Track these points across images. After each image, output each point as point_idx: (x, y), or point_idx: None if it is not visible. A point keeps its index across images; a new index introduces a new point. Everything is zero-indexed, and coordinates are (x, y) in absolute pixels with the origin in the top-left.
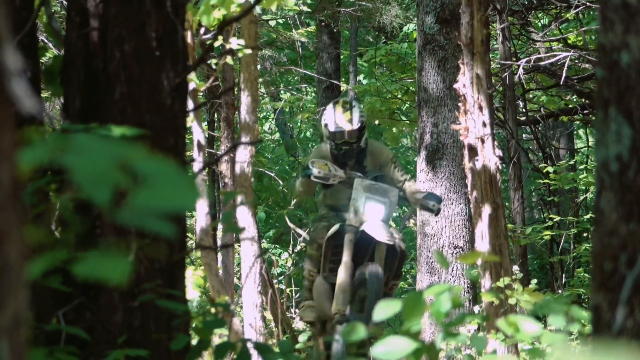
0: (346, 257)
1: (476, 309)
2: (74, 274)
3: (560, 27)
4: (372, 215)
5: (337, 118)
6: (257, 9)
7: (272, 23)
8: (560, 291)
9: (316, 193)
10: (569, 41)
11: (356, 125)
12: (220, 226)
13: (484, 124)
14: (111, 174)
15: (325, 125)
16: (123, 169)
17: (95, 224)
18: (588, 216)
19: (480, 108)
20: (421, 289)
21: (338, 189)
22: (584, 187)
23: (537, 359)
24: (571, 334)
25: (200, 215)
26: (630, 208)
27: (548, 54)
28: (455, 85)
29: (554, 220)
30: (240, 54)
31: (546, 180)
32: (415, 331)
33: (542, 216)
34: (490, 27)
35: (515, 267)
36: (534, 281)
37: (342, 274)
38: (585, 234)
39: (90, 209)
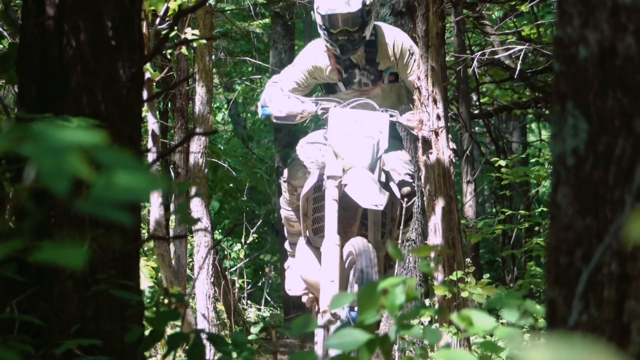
0: (330, 229)
1: (427, 302)
2: (30, 262)
3: (514, 21)
4: (355, 159)
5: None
6: (211, 0)
7: (229, 13)
8: (512, 285)
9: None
10: (523, 34)
11: (355, 6)
12: (173, 217)
13: (439, 117)
14: (70, 163)
15: (317, 8)
16: (82, 158)
17: (50, 213)
18: (539, 210)
19: (435, 101)
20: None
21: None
22: (535, 181)
23: (490, 352)
24: (522, 327)
25: (153, 206)
26: (587, 202)
27: (503, 47)
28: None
29: (506, 214)
30: (195, 45)
31: (498, 174)
32: (369, 323)
33: (493, 210)
34: (445, 19)
35: (468, 260)
36: (487, 275)
37: (328, 256)
38: (536, 228)
39: (44, 198)
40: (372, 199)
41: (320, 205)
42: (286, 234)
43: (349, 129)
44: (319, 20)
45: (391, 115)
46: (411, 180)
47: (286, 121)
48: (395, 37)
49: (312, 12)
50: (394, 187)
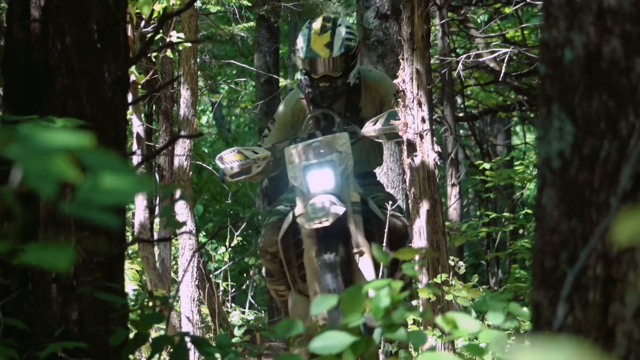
0: (309, 249)
1: (414, 303)
2: (14, 265)
3: (499, 24)
4: (319, 188)
5: (312, 42)
6: (197, 2)
7: (214, 16)
8: (496, 288)
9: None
10: (508, 37)
11: (337, 52)
12: (157, 219)
13: (423, 120)
14: (57, 165)
15: (297, 51)
16: (69, 160)
17: (35, 216)
18: (524, 212)
19: (420, 104)
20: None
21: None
22: (519, 184)
23: (475, 355)
24: (507, 330)
25: (138, 209)
26: (572, 205)
27: (487, 50)
28: (395, 81)
29: (490, 216)
30: (180, 48)
31: (482, 177)
32: (354, 326)
33: (478, 213)
34: (430, 22)
35: (461, 263)
36: (475, 277)
37: (309, 271)
38: (521, 231)
39: (30, 201)
40: (315, 218)
41: (302, 249)
42: (280, 307)
43: (306, 161)
44: (299, 64)
45: (351, 133)
46: (400, 215)
47: (244, 175)
48: (381, 81)
49: (292, 55)
50: (373, 206)
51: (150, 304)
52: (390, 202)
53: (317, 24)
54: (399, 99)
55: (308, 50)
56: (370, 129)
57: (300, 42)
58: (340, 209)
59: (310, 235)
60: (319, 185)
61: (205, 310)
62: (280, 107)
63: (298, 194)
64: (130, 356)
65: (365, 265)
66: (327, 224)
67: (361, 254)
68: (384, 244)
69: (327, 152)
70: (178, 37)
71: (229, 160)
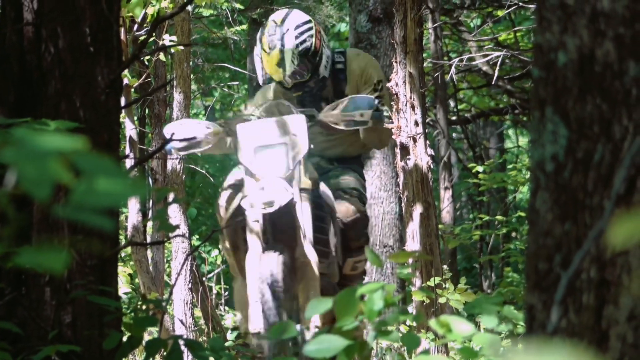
0: (252, 244)
1: (410, 309)
2: (8, 268)
3: (491, 27)
4: (267, 171)
5: (263, 63)
6: (190, 6)
7: (206, 20)
8: (489, 291)
9: None
10: (500, 40)
11: (290, 69)
12: (150, 223)
13: (416, 123)
14: (52, 169)
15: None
16: (63, 163)
17: (29, 219)
18: (516, 215)
19: (413, 107)
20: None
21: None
22: (512, 187)
23: (469, 358)
24: (500, 333)
25: (131, 212)
26: (566, 208)
27: (480, 54)
28: (388, 84)
29: (483, 219)
30: (173, 51)
31: (475, 180)
32: (348, 329)
33: (470, 216)
34: (423, 26)
35: (445, 267)
36: (463, 279)
37: (250, 273)
38: (514, 234)
39: (24, 204)
40: (261, 203)
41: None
42: (231, 270)
43: (257, 141)
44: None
45: (309, 116)
46: (356, 199)
47: (192, 149)
48: (365, 67)
49: None
50: (326, 196)
51: (144, 307)
52: (350, 187)
53: (265, 39)
54: (380, 88)
55: (263, 74)
56: (328, 114)
57: (257, 61)
58: (287, 197)
59: (256, 218)
60: (268, 168)
61: (198, 313)
62: (261, 90)
63: (247, 174)
64: (124, 359)
65: (311, 271)
66: (271, 210)
67: (307, 263)
68: (334, 232)
69: (281, 134)
70: (171, 41)
71: (178, 133)
